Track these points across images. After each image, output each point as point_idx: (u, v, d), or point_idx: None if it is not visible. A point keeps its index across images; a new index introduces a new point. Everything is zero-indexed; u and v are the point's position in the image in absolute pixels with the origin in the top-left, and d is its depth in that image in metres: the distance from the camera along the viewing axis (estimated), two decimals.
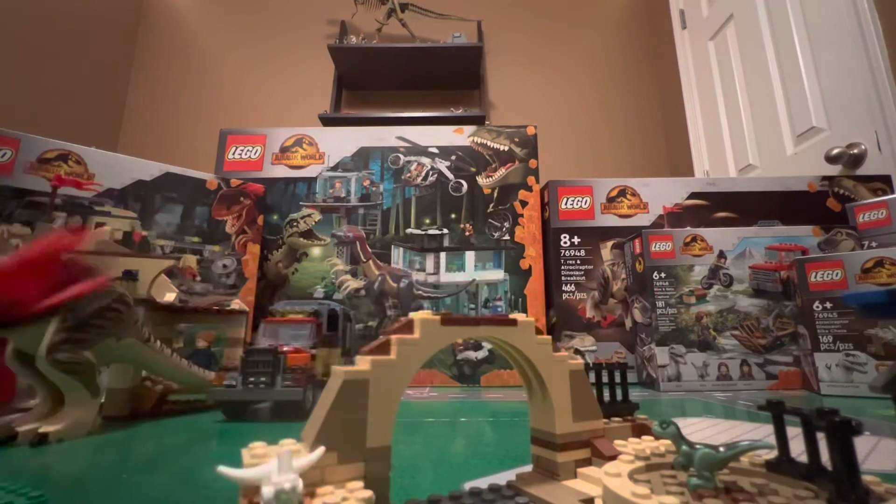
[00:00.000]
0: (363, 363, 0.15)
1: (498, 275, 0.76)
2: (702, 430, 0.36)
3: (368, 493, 0.13)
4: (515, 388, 0.67)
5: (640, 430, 0.20)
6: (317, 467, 0.13)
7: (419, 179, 0.79)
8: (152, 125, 2.27)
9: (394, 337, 0.16)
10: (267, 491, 0.11)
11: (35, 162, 0.59)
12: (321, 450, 0.13)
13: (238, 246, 0.69)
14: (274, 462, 0.12)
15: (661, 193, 0.80)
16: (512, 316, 0.18)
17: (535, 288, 0.75)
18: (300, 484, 0.12)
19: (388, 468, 0.15)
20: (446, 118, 2.04)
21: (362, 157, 0.80)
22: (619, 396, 0.21)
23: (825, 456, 0.13)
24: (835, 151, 1.17)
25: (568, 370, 0.19)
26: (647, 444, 0.18)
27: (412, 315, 0.16)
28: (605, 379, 0.21)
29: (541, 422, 0.19)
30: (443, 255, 0.76)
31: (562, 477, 0.18)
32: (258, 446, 0.14)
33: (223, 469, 0.12)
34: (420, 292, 0.75)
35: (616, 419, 0.20)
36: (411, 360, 0.16)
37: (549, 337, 0.19)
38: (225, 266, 0.68)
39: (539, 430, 0.19)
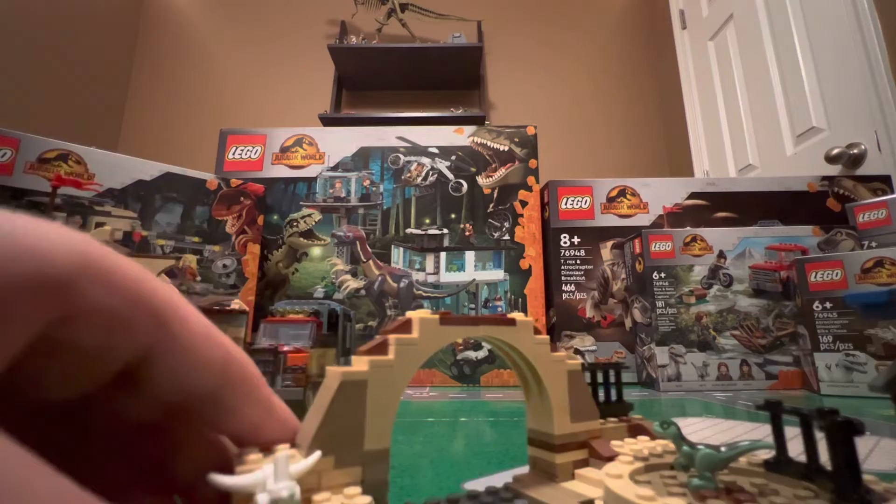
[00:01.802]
0: (360, 364, 0.15)
1: (498, 275, 0.76)
2: (702, 430, 0.36)
3: (367, 500, 0.12)
4: (515, 388, 0.67)
5: (635, 430, 0.20)
6: (313, 472, 0.13)
7: (419, 179, 0.79)
8: (152, 125, 2.27)
9: (391, 336, 0.15)
10: (262, 499, 0.11)
11: (35, 162, 0.59)
12: (317, 454, 0.13)
13: (238, 246, 0.69)
14: (269, 468, 0.11)
15: (661, 193, 0.80)
16: (511, 315, 0.18)
17: (535, 288, 0.75)
18: (297, 491, 0.11)
19: (387, 471, 0.14)
20: (446, 118, 2.05)
21: (362, 157, 0.80)
22: (613, 397, 0.21)
23: (824, 455, 0.13)
24: (835, 151, 1.17)
25: (566, 370, 0.19)
26: (643, 444, 0.18)
27: (410, 314, 0.16)
28: (599, 379, 0.21)
29: (538, 422, 0.19)
30: (443, 255, 0.76)
31: (560, 478, 0.17)
32: (251, 451, 0.14)
33: (215, 477, 0.11)
34: (420, 292, 0.75)
35: (611, 419, 0.20)
36: (410, 361, 0.15)
37: (548, 336, 0.19)
38: (225, 266, 0.68)
39: (536, 430, 0.19)
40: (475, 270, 0.76)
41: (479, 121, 2.07)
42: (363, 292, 0.74)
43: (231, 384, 0.12)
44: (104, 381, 0.11)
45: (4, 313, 0.08)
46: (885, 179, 0.81)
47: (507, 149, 0.81)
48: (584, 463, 0.18)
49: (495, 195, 0.79)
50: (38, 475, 0.07)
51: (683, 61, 2.01)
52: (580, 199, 0.80)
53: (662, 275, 0.67)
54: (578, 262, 0.78)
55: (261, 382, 0.13)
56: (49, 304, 0.08)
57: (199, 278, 0.65)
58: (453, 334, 0.16)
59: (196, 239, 0.67)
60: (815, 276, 0.60)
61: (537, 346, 0.18)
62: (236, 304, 0.53)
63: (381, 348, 0.15)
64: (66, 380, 0.10)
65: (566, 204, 0.80)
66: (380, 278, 0.75)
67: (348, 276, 0.75)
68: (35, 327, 0.08)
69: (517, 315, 0.18)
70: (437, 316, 0.16)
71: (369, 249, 0.76)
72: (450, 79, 2.28)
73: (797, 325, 0.64)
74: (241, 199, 0.71)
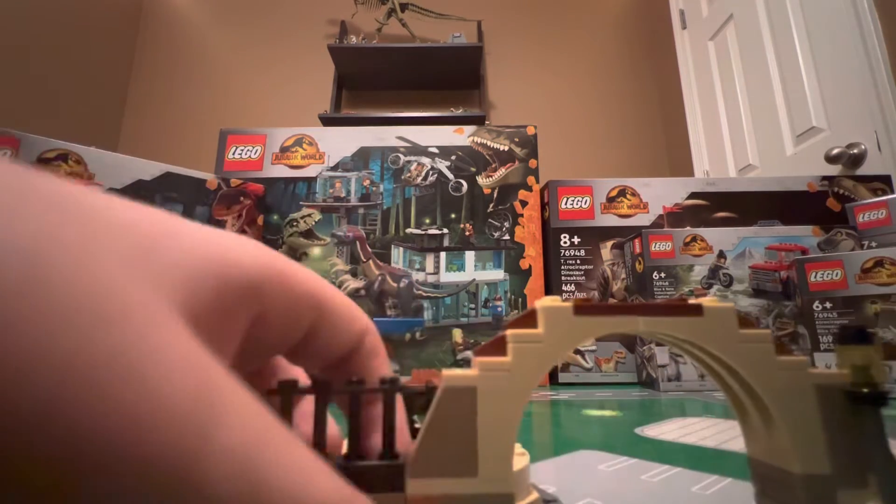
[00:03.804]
0: (474, 366, 0.12)
1: (498, 275, 0.76)
2: (701, 430, 0.36)
3: None
4: None
5: None
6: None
7: (419, 179, 0.79)
8: (152, 125, 2.27)
9: (510, 332, 0.12)
10: None
11: (35, 162, 0.59)
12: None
13: None
14: None
15: (661, 193, 0.80)
16: (695, 300, 0.13)
17: (535, 288, 0.75)
18: None
19: None
20: (446, 118, 2.05)
21: (362, 157, 0.80)
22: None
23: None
24: (835, 151, 1.17)
25: (811, 384, 0.12)
26: None
27: (535, 303, 0.13)
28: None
29: (762, 451, 0.13)
30: (443, 254, 0.77)
31: None
32: None
33: None
34: (420, 292, 0.75)
35: None
36: (534, 363, 0.12)
37: (767, 331, 0.13)
38: None
39: (760, 462, 0.13)
40: (475, 270, 0.76)
41: (479, 121, 2.07)
42: (363, 292, 0.74)
43: (364, 347, 0.15)
44: (279, 353, 0.13)
45: (230, 312, 0.10)
46: (886, 179, 0.81)
47: (507, 149, 0.81)
48: None
49: (495, 195, 0.79)
50: (320, 473, 0.09)
51: (683, 61, 2.01)
52: (580, 199, 0.80)
53: (662, 275, 0.67)
54: (578, 262, 0.78)
55: (384, 355, 0.16)
56: (253, 305, 0.11)
57: None
58: (594, 328, 0.13)
59: None
60: (815, 276, 0.60)
61: (748, 348, 0.12)
62: None
63: (498, 347, 0.12)
64: (252, 362, 0.13)
65: (566, 204, 0.80)
66: (380, 278, 0.75)
67: (348, 276, 0.75)
68: (246, 323, 0.11)
69: (707, 300, 0.13)
70: (569, 304, 0.13)
71: (369, 249, 0.76)
72: (450, 79, 2.28)
73: (797, 325, 0.64)
74: (241, 199, 0.71)
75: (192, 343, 0.08)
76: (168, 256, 0.09)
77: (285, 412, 0.12)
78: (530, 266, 0.76)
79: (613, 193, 0.81)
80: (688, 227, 0.72)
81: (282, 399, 0.12)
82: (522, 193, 0.79)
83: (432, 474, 0.11)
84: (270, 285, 0.11)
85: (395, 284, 0.75)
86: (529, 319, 0.13)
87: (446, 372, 0.12)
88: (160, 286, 0.08)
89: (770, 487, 0.13)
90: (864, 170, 1.14)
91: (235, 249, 0.11)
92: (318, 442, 0.12)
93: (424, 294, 0.75)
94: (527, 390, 0.12)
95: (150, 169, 0.66)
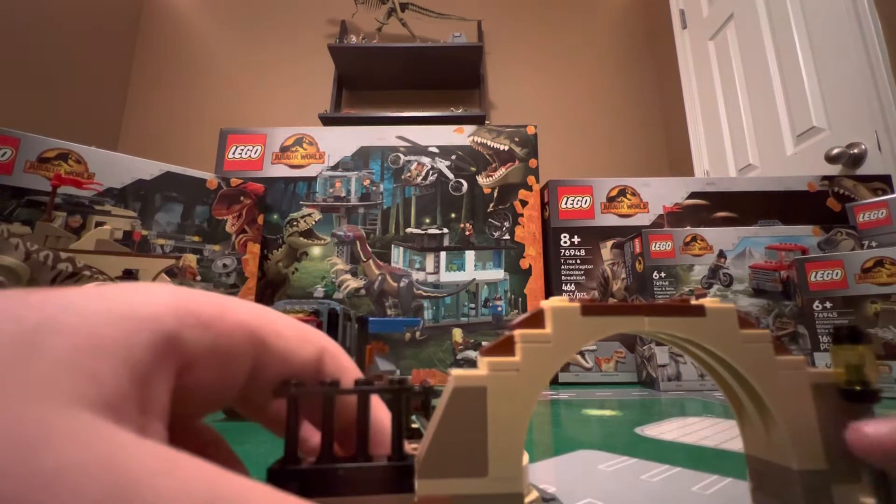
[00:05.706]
0: (480, 367, 0.12)
1: (498, 274, 0.76)
2: (701, 430, 0.36)
3: None
4: None
5: None
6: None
7: (419, 179, 0.79)
8: (152, 125, 2.27)
9: (517, 332, 0.12)
10: None
11: (35, 161, 0.59)
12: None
13: (238, 245, 0.69)
14: None
15: (661, 193, 0.80)
16: (697, 301, 0.13)
17: (535, 287, 0.75)
18: None
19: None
20: (446, 118, 2.05)
21: (362, 157, 0.80)
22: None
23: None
24: (835, 151, 1.17)
25: (808, 383, 0.13)
26: None
27: (542, 303, 0.13)
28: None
29: (762, 449, 0.13)
30: (443, 254, 0.77)
31: None
32: None
33: None
34: (420, 292, 0.75)
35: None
36: (542, 363, 0.12)
37: (767, 331, 0.13)
38: (225, 265, 0.68)
39: (760, 459, 0.14)
40: (475, 270, 0.76)
41: (479, 120, 2.07)
42: (363, 292, 0.74)
43: (325, 375, 0.14)
44: (230, 397, 0.13)
45: (146, 377, 0.09)
46: (886, 179, 0.81)
47: (507, 148, 0.81)
48: None
49: (495, 195, 0.79)
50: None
51: (683, 61, 2.01)
52: (580, 198, 0.80)
53: (662, 274, 0.67)
54: (578, 261, 0.78)
55: (354, 371, 0.14)
56: (170, 360, 0.10)
57: (199, 278, 0.65)
58: (602, 328, 0.13)
59: (196, 238, 0.67)
60: (815, 276, 0.60)
61: (749, 348, 0.13)
62: None
63: (505, 347, 0.12)
64: (201, 410, 0.12)
65: (566, 203, 0.80)
66: (380, 278, 0.75)
67: (348, 276, 0.75)
68: (169, 383, 0.10)
69: (709, 301, 0.14)
70: (576, 304, 0.13)
71: (369, 249, 0.76)
72: (450, 78, 2.27)
73: (797, 324, 0.64)
74: (241, 198, 0.71)
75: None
76: (50, 354, 0.08)
77: (290, 414, 0.12)
78: (530, 266, 0.76)
79: (613, 193, 0.81)
80: (688, 227, 0.72)
81: (287, 401, 0.12)
82: (522, 193, 0.79)
83: (442, 475, 0.11)
84: (190, 331, 0.11)
85: (395, 284, 0.75)
86: (536, 320, 0.13)
87: (455, 372, 0.12)
88: (46, 395, 0.08)
89: (766, 483, 0.14)
90: (864, 170, 1.14)
91: (141, 307, 0.10)
92: (327, 444, 0.12)
93: (424, 294, 0.75)
94: (536, 390, 0.12)
95: (150, 169, 0.66)
